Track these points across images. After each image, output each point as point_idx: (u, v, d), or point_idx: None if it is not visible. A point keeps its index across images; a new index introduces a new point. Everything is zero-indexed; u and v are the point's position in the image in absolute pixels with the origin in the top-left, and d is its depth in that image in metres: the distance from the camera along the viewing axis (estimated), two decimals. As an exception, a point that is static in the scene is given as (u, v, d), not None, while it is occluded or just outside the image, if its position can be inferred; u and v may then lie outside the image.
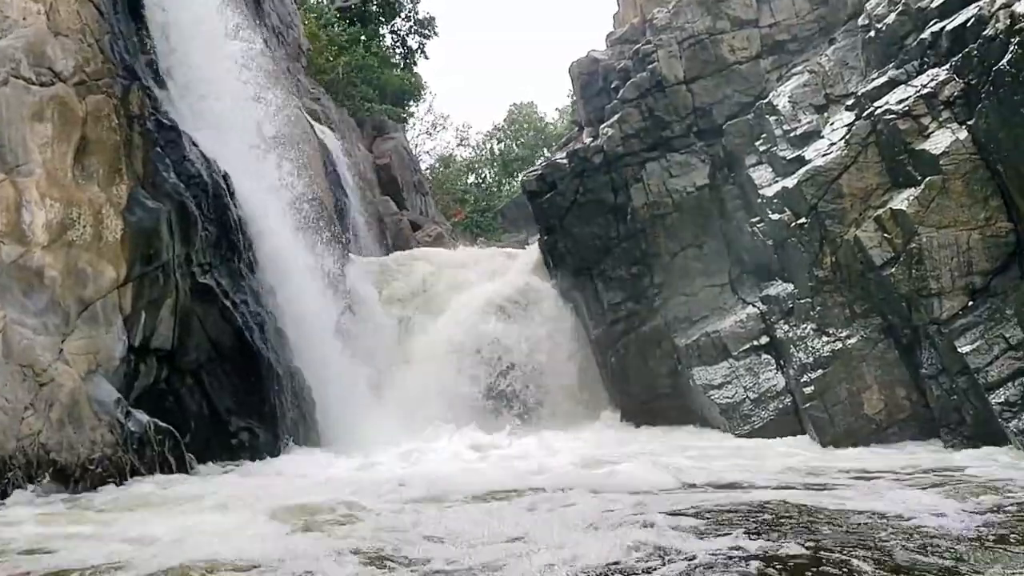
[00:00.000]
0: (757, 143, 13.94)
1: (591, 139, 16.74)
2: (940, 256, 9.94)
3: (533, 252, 19.08)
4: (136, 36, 14.67)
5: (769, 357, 12.70)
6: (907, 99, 10.82)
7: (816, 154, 11.99)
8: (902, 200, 10.46)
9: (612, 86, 16.99)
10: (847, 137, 11.58)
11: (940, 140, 10.26)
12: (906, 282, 10.27)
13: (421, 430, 15.62)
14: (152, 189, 12.88)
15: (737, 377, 12.77)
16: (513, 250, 20.78)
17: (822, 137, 12.38)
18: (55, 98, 11.30)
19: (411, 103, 42.19)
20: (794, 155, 12.64)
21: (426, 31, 42.29)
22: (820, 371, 11.23)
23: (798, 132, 12.85)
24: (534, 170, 17.69)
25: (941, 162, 10.06)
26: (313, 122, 23.40)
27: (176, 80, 15.41)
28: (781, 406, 12.09)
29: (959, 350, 9.51)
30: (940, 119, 10.44)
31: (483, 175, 52.06)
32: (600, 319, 16.08)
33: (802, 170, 11.97)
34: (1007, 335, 9.25)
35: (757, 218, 13.65)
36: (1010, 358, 9.15)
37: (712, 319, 14.08)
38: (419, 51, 42.41)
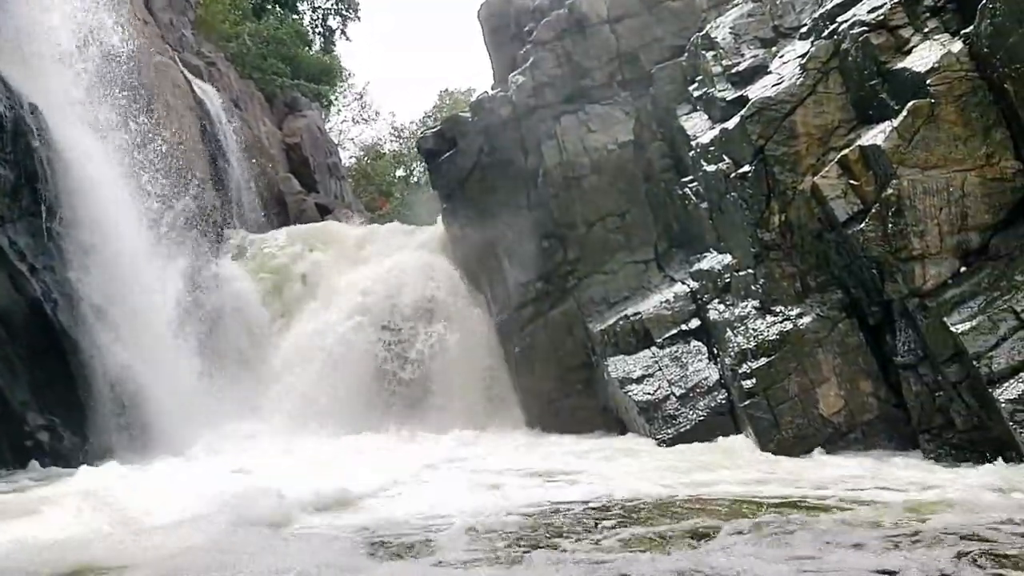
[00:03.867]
0: (691, 88, 11.49)
1: (499, 90, 14.13)
2: (926, 206, 7.52)
3: (436, 228, 16.42)
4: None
5: (700, 344, 10.22)
6: (881, 7, 8.44)
7: (763, 90, 9.54)
8: (875, 135, 8.03)
9: (526, 29, 14.42)
10: (804, 63, 9.14)
11: (926, 55, 7.87)
12: (878, 242, 7.83)
13: (281, 433, 12.88)
14: (-89, 113, 9.88)
15: (661, 369, 10.26)
16: (417, 227, 18.06)
17: (770, 72, 9.95)
18: None
19: (330, 85, 39.27)
20: (736, 95, 10.21)
21: (348, 12, 39.68)
22: (763, 360, 8.78)
23: (741, 68, 10.43)
24: (432, 127, 15.01)
25: (928, 81, 7.64)
26: (192, 78, 20.38)
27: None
28: (714, 404, 9.59)
29: (951, 329, 7.08)
30: (925, 29, 8.07)
31: (412, 168, 49.32)
32: (505, 302, 13.47)
33: (746, 107, 9.50)
34: (1018, 308, 6.84)
35: (689, 177, 11.20)
36: (1023, 339, 6.73)
37: (633, 300, 11.56)
38: (340, 32, 39.78)
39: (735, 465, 7.79)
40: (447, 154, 14.16)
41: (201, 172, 18.19)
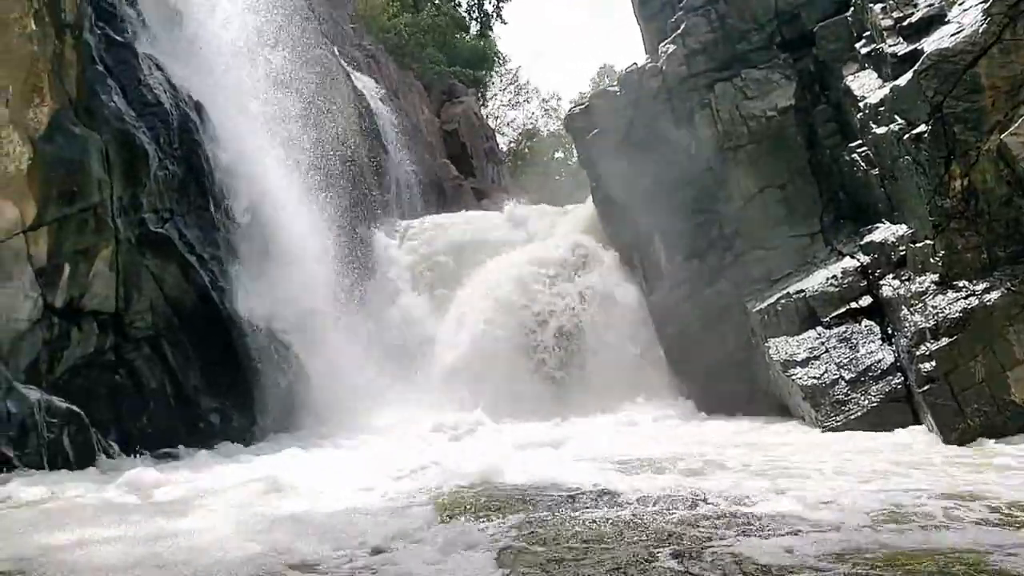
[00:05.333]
0: (858, 45, 10.57)
1: (648, 61, 13.58)
2: None
3: (586, 207, 16.10)
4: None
5: (872, 323, 9.39)
6: (1083, -64, 7.38)
7: (940, 41, 8.59)
8: (1076, 82, 7.03)
9: (677, -5, 13.76)
10: (988, 7, 8.15)
11: None
12: (1081, 205, 6.85)
13: (440, 415, 13.01)
14: (86, 115, 10.52)
15: (828, 351, 9.50)
16: (568, 207, 17.83)
17: (948, 22, 8.95)
18: (-62, -9, 9.00)
19: (487, 70, 39.69)
20: (908, 50, 9.26)
21: (504, -6, 39.88)
22: (945, 341, 7.92)
23: (914, 19, 9.44)
24: (579, 103, 14.65)
25: None
26: (351, 70, 20.97)
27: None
28: (888, 389, 8.77)
29: None
30: None
31: (570, 148, 49.16)
32: (658, 282, 13.01)
33: (920, 61, 8.58)
34: None
35: (857, 142, 10.33)
36: None
37: (796, 277, 10.81)
38: (495, 16, 40.09)
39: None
40: (595, 131, 13.78)
41: (360, 161, 18.69)
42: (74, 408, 8.89)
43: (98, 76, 10.76)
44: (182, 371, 11.40)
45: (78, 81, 10.49)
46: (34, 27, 9.88)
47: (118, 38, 11.44)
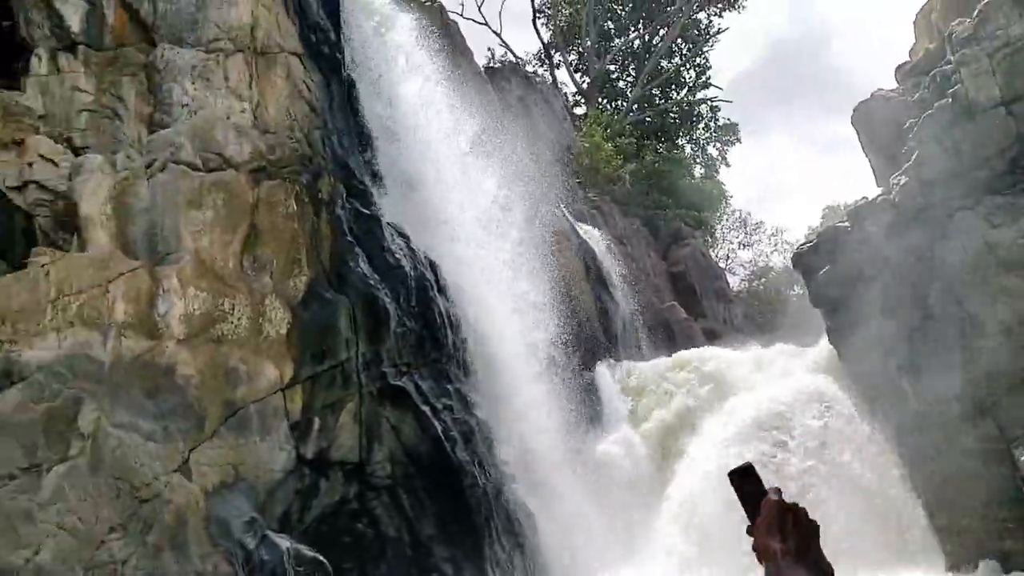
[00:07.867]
0: (1120, 161, 9.63)
1: (880, 194, 13.07)
2: None
3: (822, 348, 15.30)
4: (356, 133, 14.07)
5: None
6: None
7: None
8: None
9: (905, 127, 13.29)
10: None
11: None
12: None
13: None
14: (337, 280, 11.62)
15: (1119, 507, 8.24)
16: (805, 348, 17.02)
17: None
18: (218, 184, 10.43)
19: (713, 211, 39.77)
20: None
21: (727, 138, 40.21)
22: None
23: None
24: (807, 241, 14.24)
25: None
26: (576, 223, 21.80)
27: (395, 177, 14.48)
28: None
29: None
30: None
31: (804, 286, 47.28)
32: (910, 428, 11.97)
33: None
34: None
35: None
36: None
37: (1073, 420, 9.60)
38: (720, 159, 40.35)
39: None
40: (826, 268, 13.29)
41: (586, 307, 19.09)
42: (319, 557, 9.39)
43: (347, 246, 11.91)
44: (417, 519, 11.79)
45: (331, 251, 11.65)
46: (295, 207, 11.19)
47: (365, 211, 12.67)
